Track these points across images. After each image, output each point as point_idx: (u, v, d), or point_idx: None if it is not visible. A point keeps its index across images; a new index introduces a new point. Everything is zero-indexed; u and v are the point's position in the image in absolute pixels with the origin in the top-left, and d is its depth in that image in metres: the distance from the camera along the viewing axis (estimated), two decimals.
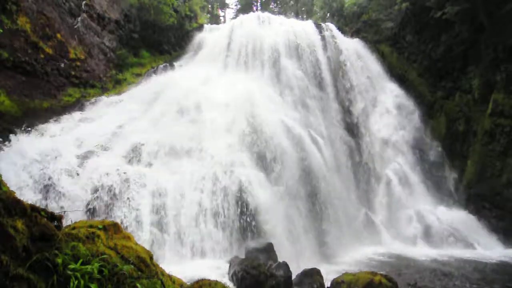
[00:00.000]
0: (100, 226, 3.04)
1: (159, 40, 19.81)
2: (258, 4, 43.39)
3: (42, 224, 2.39)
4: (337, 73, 17.16)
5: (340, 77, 17.11)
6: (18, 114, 11.58)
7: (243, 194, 9.77)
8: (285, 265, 7.18)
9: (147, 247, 3.55)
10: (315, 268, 7.27)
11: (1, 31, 10.69)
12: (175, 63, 18.03)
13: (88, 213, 8.59)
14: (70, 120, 12.38)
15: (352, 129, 16.04)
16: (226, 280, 7.02)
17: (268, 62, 16.13)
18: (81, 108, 13.45)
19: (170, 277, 3.39)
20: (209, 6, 37.76)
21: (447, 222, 13.22)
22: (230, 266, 7.53)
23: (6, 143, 9.92)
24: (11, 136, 10.23)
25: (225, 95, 13.35)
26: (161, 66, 17.63)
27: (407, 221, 13.65)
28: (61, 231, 2.56)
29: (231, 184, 9.93)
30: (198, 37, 20.28)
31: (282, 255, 8.04)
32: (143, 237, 8.40)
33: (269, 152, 11.49)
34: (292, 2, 42.68)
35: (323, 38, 18.05)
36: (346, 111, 16.38)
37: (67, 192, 9.00)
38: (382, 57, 19.04)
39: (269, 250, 8.11)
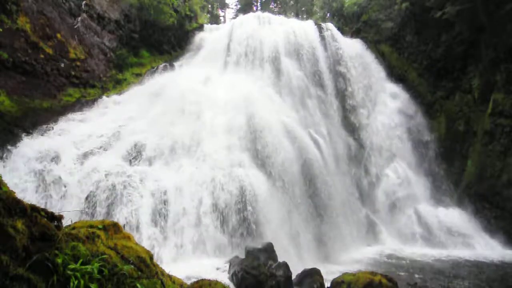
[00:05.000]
0: (100, 226, 3.04)
1: (159, 40, 19.80)
2: (258, 4, 43.39)
3: (42, 224, 2.39)
4: (337, 73, 17.15)
5: (340, 77, 17.11)
6: (18, 114, 11.58)
7: (243, 194, 9.76)
8: (285, 265, 7.17)
9: (147, 247, 3.55)
10: (315, 268, 7.26)
11: (0, 30, 10.69)
12: (175, 63, 18.03)
13: (88, 213, 8.59)
14: (70, 120, 12.38)
15: (352, 129, 16.04)
16: (226, 280, 7.02)
17: (268, 62, 16.11)
18: (81, 108, 13.44)
19: (170, 277, 3.39)
20: (209, 6, 37.75)
21: (447, 222, 13.23)
22: (230, 266, 7.53)
23: (6, 143, 9.92)
24: (11, 136, 10.24)
25: (225, 95, 13.34)
26: (161, 66, 17.61)
27: (407, 221, 13.66)
28: (61, 231, 2.56)
29: (231, 184, 9.93)
30: (198, 37, 20.27)
31: (282, 255, 8.04)
32: (143, 237, 8.40)
33: (268, 152, 11.48)
34: (292, 2, 42.68)
35: (323, 38, 18.03)
36: (346, 111, 16.38)
37: (67, 192, 9.01)
38: (382, 57, 19.04)
39: (269, 250, 8.10)
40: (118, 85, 16.44)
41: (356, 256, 10.93)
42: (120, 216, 8.61)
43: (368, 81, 17.55)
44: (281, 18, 20.88)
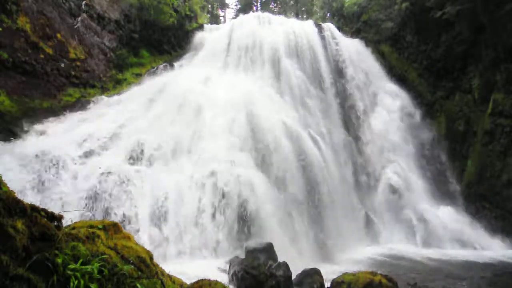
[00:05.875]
0: (100, 226, 3.04)
1: (159, 40, 19.81)
2: (258, 4, 43.39)
3: (42, 224, 2.39)
4: (337, 73, 17.16)
5: (340, 77, 17.12)
6: (18, 114, 11.58)
7: (243, 194, 9.77)
8: (285, 265, 7.17)
9: (147, 247, 3.55)
10: (315, 268, 7.26)
11: (0, 29, 10.70)
12: (175, 63, 18.03)
13: (88, 213, 8.59)
14: (70, 120, 12.38)
15: (352, 129, 16.04)
16: (226, 280, 7.02)
17: (268, 62, 16.12)
18: (81, 108, 13.44)
19: (170, 277, 3.39)
20: (209, 6, 37.75)
21: (447, 222, 13.22)
22: (230, 266, 7.53)
23: (6, 143, 9.93)
24: (11, 136, 10.24)
25: (225, 95, 13.35)
26: (161, 66, 17.62)
27: (407, 221, 13.65)
28: (61, 231, 2.56)
29: (231, 184, 9.93)
30: (198, 37, 20.28)
31: (282, 255, 8.03)
32: (143, 237, 8.40)
33: (269, 152, 11.49)
34: (292, 2, 42.69)
35: (323, 38, 18.04)
36: (346, 111, 16.38)
37: (67, 192, 9.01)
38: (382, 57, 19.04)
39: (269, 250, 8.09)
40: (118, 85, 16.44)
41: (356, 256, 10.92)
42: (120, 216, 8.61)
43: (368, 81, 17.55)
44: (281, 18, 20.91)
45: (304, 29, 18.21)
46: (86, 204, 8.75)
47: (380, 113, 16.75)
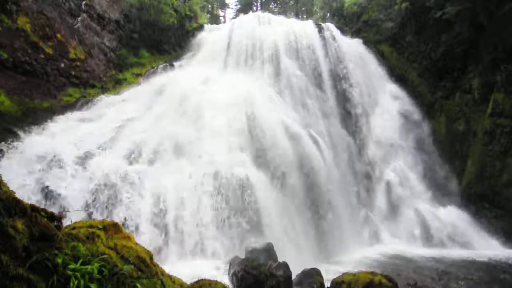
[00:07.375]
0: (100, 226, 3.04)
1: (159, 40, 19.82)
2: (258, 4, 43.40)
3: (42, 224, 2.39)
4: (337, 73, 17.15)
5: (340, 77, 17.11)
6: (18, 114, 11.59)
7: (243, 194, 9.77)
8: (285, 265, 7.16)
9: (147, 247, 3.55)
10: (315, 268, 7.26)
11: (0, 29, 10.71)
12: (175, 63, 18.03)
13: (88, 213, 8.59)
14: (70, 120, 12.37)
15: (352, 129, 16.03)
16: (226, 280, 7.02)
17: (268, 62, 16.12)
18: (81, 108, 13.45)
19: (170, 277, 3.39)
20: (209, 6, 37.75)
21: (447, 222, 13.23)
22: (230, 266, 7.52)
23: (6, 143, 9.92)
24: (11, 136, 10.24)
25: (225, 95, 13.33)
26: (161, 66, 17.62)
27: (407, 221, 13.66)
28: (61, 231, 2.56)
29: (231, 184, 9.93)
30: (198, 37, 20.28)
31: (282, 255, 8.03)
32: (143, 237, 8.40)
33: (269, 152, 11.49)
34: (292, 2, 42.70)
35: (323, 38, 18.03)
36: (346, 111, 16.37)
37: (67, 192, 9.00)
38: (382, 57, 19.04)
39: (269, 250, 8.10)
40: (118, 85, 16.45)
41: (356, 256, 10.93)
42: (120, 216, 8.61)
43: (368, 81, 17.54)
44: (281, 18, 20.91)
45: (304, 29, 18.20)
46: (86, 204, 8.74)
47: (380, 113, 16.75)
